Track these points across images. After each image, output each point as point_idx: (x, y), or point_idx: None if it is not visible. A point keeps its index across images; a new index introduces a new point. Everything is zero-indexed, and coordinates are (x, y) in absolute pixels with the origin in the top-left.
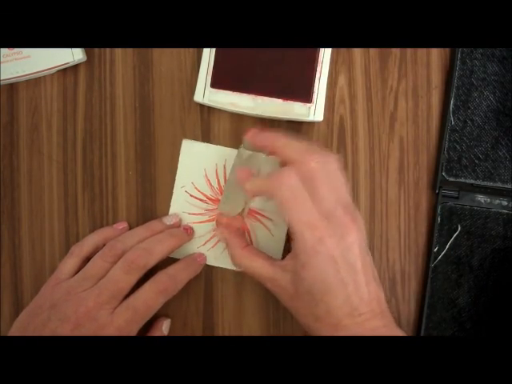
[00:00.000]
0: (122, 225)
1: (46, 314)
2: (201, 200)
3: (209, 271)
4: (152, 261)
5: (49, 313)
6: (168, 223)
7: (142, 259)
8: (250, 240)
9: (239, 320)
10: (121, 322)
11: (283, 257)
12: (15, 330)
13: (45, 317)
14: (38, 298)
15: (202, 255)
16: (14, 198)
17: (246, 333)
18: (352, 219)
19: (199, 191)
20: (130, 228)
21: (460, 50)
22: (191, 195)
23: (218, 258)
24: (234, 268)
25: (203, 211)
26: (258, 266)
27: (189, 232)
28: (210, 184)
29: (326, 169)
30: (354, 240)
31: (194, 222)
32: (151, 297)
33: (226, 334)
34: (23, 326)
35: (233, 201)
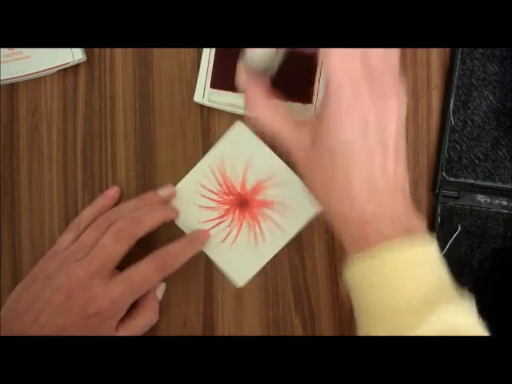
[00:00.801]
0: (113, 189)
1: (39, 284)
2: (219, 183)
3: (209, 271)
4: (141, 230)
5: (42, 283)
6: (162, 195)
7: (131, 228)
8: (255, 237)
9: (239, 320)
10: (116, 294)
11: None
12: (9, 301)
13: (38, 287)
14: (34, 269)
15: (205, 232)
16: (14, 198)
17: (246, 333)
18: (397, 90)
19: (223, 172)
20: (122, 193)
21: (460, 49)
22: (212, 171)
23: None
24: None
25: (215, 190)
26: (281, 124)
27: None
28: (239, 174)
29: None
30: (394, 109)
31: (201, 206)
32: (148, 271)
33: (226, 334)
34: (17, 296)
35: (260, 52)
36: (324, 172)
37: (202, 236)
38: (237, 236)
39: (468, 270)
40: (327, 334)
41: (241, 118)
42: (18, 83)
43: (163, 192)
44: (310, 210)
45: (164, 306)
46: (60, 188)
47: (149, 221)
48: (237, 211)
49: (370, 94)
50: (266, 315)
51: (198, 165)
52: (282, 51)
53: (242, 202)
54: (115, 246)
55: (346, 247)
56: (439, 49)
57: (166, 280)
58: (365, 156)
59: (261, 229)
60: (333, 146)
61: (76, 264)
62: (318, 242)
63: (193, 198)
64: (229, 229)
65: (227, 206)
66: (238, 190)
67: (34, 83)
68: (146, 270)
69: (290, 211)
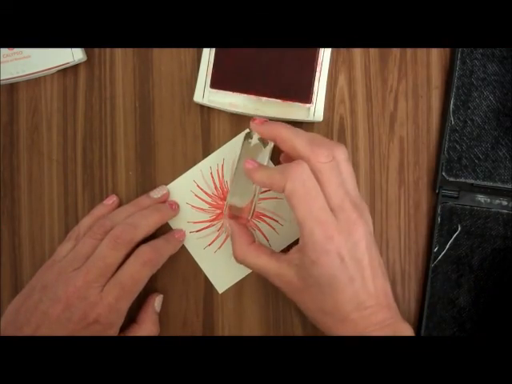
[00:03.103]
0: (111, 199)
1: (37, 296)
2: (215, 186)
3: None
4: (138, 235)
5: (40, 294)
6: (155, 197)
7: (128, 234)
8: (262, 235)
9: (239, 320)
10: (110, 300)
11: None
12: (8, 314)
13: (36, 298)
14: (32, 280)
15: (180, 231)
16: (14, 198)
17: (246, 333)
18: (359, 215)
19: (221, 177)
20: (121, 203)
21: (460, 49)
22: (211, 173)
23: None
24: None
25: (210, 193)
26: (264, 263)
27: (173, 207)
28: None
29: (334, 162)
30: (362, 236)
31: (193, 206)
32: (137, 270)
33: (226, 334)
34: (16, 309)
35: (241, 190)
36: (315, 300)
37: (177, 235)
38: (223, 243)
39: (468, 269)
40: None
41: (240, 117)
42: (17, 83)
43: (157, 194)
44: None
45: (164, 305)
46: (60, 188)
47: (145, 225)
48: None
49: (339, 231)
50: (266, 315)
51: (198, 164)
52: (258, 190)
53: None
54: (112, 254)
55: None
56: (439, 49)
57: (166, 280)
58: (347, 283)
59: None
60: (318, 279)
61: (73, 274)
62: None
63: (187, 196)
64: (217, 233)
65: (219, 211)
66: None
67: (34, 83)
68: (134, 269)
69: (279, 228)
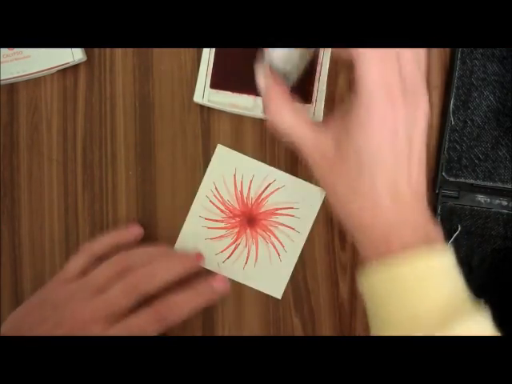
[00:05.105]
0: (138, 229)
1: (45, 313)
2: (220, 210)
3: (209, 271)
4: (154, 287)
5: (49, 312)
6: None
7: (144, 285)
8: (274, 247)
9: (239, 320)
10: None
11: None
12: (14, 318)
13: (44, 315)
14: (43, 292)
15: (222, 280)
16: (14, 198)
17: (246, 333)
18: (426, 100)
19: (221, 200)
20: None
21: (460, 49)
22: (212, 202)
23: (231, 270)
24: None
25: (220, 218)
26: (301, 125)
27: (199, 259)
28: (236, 195)
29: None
30: (423, 116)
31: (212, 238)
32: (146, 324)
33: (226, 334)
34: (22, 316)
35: (289, 57)
36: (348, 177)
37: (216, 284)
38: (257, 253)
39: (468, 269)
40: (327, 334)
41: (241, 118)
42: (17, 83)
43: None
44: (315, 201)
45: None
46: (60, 188)
47: (164, 278)
48: (248, 230)
49: (404, 105)
50: (266, 315)
51: (195, 200)
52: (306, 53)
53: (250, 219)
54: (125, 300)
55: (364, 253)
56: (439, 49)
57: None
58: (391, 165)
59: (277, 237)
60: (360, 150)
61: (82, 303)
62: (318, 241)
63: (202, 234)
64: (246, 249)
65: (237, 229)
66: (241, 209)
67: (34, 83)
68: (143, 322)
69: (297, 211)
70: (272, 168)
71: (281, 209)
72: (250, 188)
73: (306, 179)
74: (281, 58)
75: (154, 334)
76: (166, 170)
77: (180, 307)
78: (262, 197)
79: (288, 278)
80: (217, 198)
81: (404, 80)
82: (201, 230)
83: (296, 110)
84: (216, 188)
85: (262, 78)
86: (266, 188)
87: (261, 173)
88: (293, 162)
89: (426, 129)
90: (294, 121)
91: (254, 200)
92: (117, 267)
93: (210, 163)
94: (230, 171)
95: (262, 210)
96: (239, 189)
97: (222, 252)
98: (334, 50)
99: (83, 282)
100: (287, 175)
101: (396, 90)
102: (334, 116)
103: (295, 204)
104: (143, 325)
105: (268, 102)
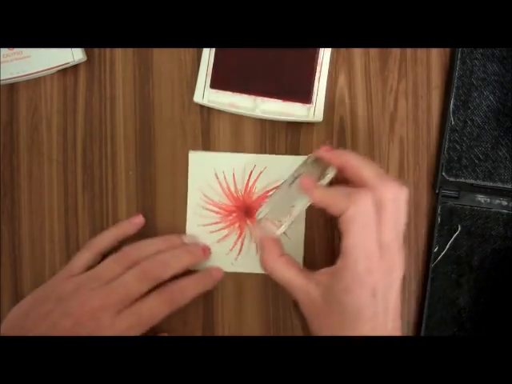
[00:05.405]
0: (138, 218)
1: (50, 305)
2: (215, 212)
3: None
4: (166, 274)
5: (53, 305)
6: (186, 241)
7: (158, 271)
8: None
9: (239, 320)
10: (123, 327)
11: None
12: (16, 315)
13: (48, 308)
14: (46, 287)
15: (218, 270)
16: (14, 198)
17: (246, 333)
18: (401, 258)
19: (212, 203)
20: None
21: (460, 49)
22: (206, 208)
23: (246, 264)
24: (260, 271)
25: (218, 220)
26: (293, 277)
27: (206, 252)
28: (224, 192)
29: (397, 201)
30: (397, 278)
31: (218, 241)
32: (156, 306)
33: (226, 334)
34: (25, 312)
35: (280, 208)
36: (332, 326)
37: (214, 272)
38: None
39: (468, 269)
40: None
41: (240, 118)
42: (18, 83)
43: (190, 240)
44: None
45: None
46: (60, 188)
47: (175, 265)
48: (248, 221)
49: (380, 269)
50: (266, 315)
51: (187, 212)
52: (297, 211)
53: (246, 211)
54: (137, 285)
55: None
56: (439, 49)
57: None
58: (371, 318)
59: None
60: (345, 306)
61: (91, 293)
62: (317, 240)
63: (206, 241)
64: (253, 239)
65: (238, 223)
66: (235, 204)
67: (34, 83)
68: (154, 305)
69: (287, 190)
70: (247, 155)
71: (271, 190)
72: (235, 181)
73: (284, 153)
74: (271, 211)
75: (163, 316)
76: (166, 170)
77: (187, 291)
78: (250, 185)
79: (301, 259)
80: (208, 203)
81: (381, 246)
82: (204, 237)
83: (287, 262)
84: (204, 195)
85: (257, 235)
86: (250, 176)
87: (239, 163)
88: None
89: (401, 285)
90: (285, 271)
91: (243, 191)
92: (124, 260)
93: (189, 173)
94: (211, 173)
95: (254, 197)
96: (225, 186)
97: (230, 250)
98: (323, 203)
99: (90, 274)
100: (264, 156)
101: (375, 258)
102: (324, 272)
103: (282, 180)
104: (154, 308)
105: (263, 256)
